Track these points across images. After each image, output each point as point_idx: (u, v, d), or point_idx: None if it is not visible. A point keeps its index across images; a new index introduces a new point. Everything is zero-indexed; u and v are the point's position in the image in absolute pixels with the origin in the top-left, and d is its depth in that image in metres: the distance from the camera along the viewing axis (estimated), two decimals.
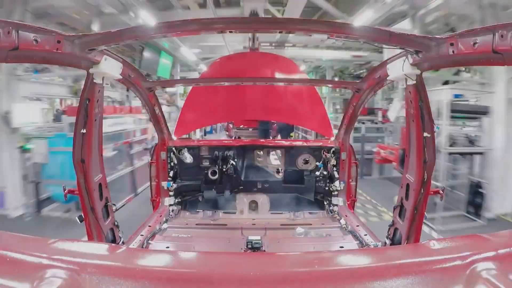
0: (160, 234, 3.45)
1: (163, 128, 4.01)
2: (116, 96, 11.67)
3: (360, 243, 3.18)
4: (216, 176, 4.33)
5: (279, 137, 11.71)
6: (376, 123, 12.50)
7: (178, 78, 14.11)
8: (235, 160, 4.37)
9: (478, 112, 7.37)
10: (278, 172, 4.48)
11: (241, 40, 10.00)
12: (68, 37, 1.91)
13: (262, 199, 4.39)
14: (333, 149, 4.22)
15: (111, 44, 2.15)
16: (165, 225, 3.68)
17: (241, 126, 12.28)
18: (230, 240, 3.40)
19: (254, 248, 2.93)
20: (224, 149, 4.39)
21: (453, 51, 1.83)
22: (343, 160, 4.20)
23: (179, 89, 14.61)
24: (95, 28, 7.84)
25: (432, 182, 2.60)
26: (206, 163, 4.40)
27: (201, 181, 4.40)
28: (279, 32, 2.26)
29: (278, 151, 4.58)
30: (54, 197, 7.08)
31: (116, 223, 2.91)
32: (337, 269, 1.26)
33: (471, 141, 7.46)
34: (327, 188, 4.27)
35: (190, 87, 5.11)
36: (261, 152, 4.54)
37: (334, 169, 4.21)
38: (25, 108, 7.54)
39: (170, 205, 4.19)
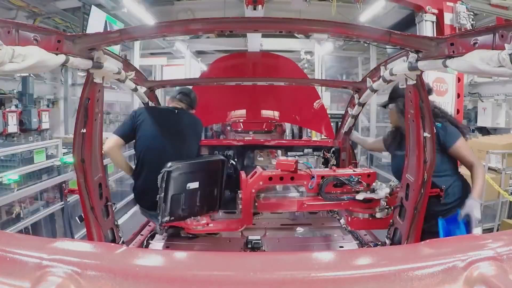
0: (160, 234, 3.45)
1: None
2: None
3: (360, 243, 3.19)
4: None
5: None
6: None
7: None
8: (235, 159, 4.37)
9: None
10: None
11: None
12: (68, 37, 1.92)
13: None
14: (333, 149, 4.22)
15: (111, 44, 2.16)
16: None
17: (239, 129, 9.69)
18: (230, 240, 3.40)
19: (254, 248, 2.93)
20: (224, 148, 4.38)
21: (453, 51, 1.83)
22: (343, 160, 4.20)
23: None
24: None
25: None
26: None
27: None
28: (279, 32, 2.27)
29: (279, 151, 4.58)
30: None
31: (116, 223, 2.91)
32: (336, 269, 1.26)
33: None
34: None
35: None
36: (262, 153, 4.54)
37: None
38: None
39: None
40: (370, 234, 3.31)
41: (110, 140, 3.02)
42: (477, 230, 2.67)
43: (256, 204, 2.99)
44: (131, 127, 3.04)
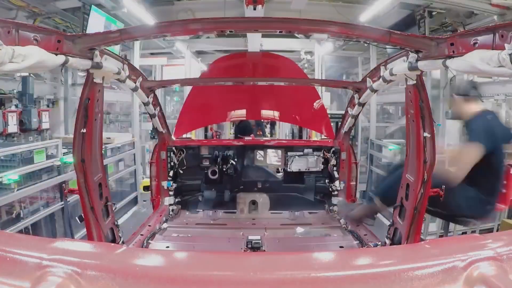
0: (160, 234, 3.45)
1: (163, 127, 4.02)
2: None
3: (360, 243, 3.19)
4: (216, 176, 4.33)
5: None
6: None
7: None
8: (235, 159, 4.38)
9: None
10: (278, 171, 4.49)
11: None
12: (68, 37, 1.92)
13: (262, 199, 4.39)
14: (333, 149, 4.22)
15: (111, 44, 2.16)
16: (165, 225, 3.68)
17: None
18: (230, 239, 3.40)
19: (254, 247, 2.93)
20: (224, 148, 4.39)
21: (453, 51, 1.83)
22: (343, 160, 4.21)
23: None
24: None
25: None
26: (206, 163, 4.40)
27: (201, 181, 4.41)
28: (279, 32, 2.25)
29: (279, 151, 4.59)
30: None
31: (116, 223, 2.91)
32: (336, 269, 1.26)
33: None
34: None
35: None
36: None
37: (334, 169, 4.21)
38: None
39: (170, 204, 4.19)
40: (370, 234, 3.31)
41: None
42: None
43: None
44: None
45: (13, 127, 7.96)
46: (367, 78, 3.14)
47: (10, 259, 1.06)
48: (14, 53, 1.57)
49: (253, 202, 4.40)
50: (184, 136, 4.83)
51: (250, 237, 3.01)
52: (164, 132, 4.09)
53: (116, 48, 7.89)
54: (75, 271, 1.03)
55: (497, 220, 5.71)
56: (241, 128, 10.12)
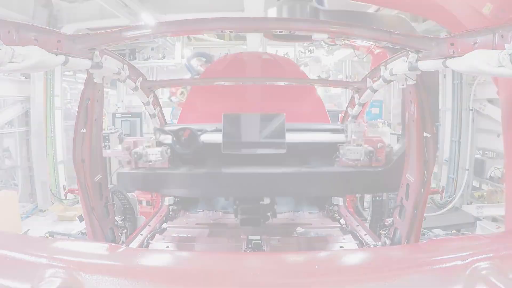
0: (160, 234, 3.45)
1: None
2: None
3: (360, 243, 3.18)
4: None
5: None
6: None
7: None
8: None
9: None
10: None
11: None
12: (68, 37, 1.92)
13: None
14: None
15: (111, 44, 2.16)
16: (165, 225, 3.68)
17: None
18: (230, 239, 3.40)
19: (254, 248, 2.93)
20: None
21: (453, 51, 1.83)
22: None
23: None
24: None
25: None
26: None
27: None
28: (279, 32, 2.25)
29: None
30: None
31: (116, 222, 2.91)
32: (337, 269, 1.26)
33: None
34: None
35: None
36: None
37: None
38: None
39: (170, 204, 4.18)
40: (370, 234, 3.31)
41: None
42: None
43: None
44: None
45: None
46: (367, 78, 3.14)
47: (10, 259, 1.06)
48: (14, 53, 1.57)
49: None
50: None
51: (250, 237, 3.01)
52: None
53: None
54: (75, 271, 1.03)
55: None
56: None
